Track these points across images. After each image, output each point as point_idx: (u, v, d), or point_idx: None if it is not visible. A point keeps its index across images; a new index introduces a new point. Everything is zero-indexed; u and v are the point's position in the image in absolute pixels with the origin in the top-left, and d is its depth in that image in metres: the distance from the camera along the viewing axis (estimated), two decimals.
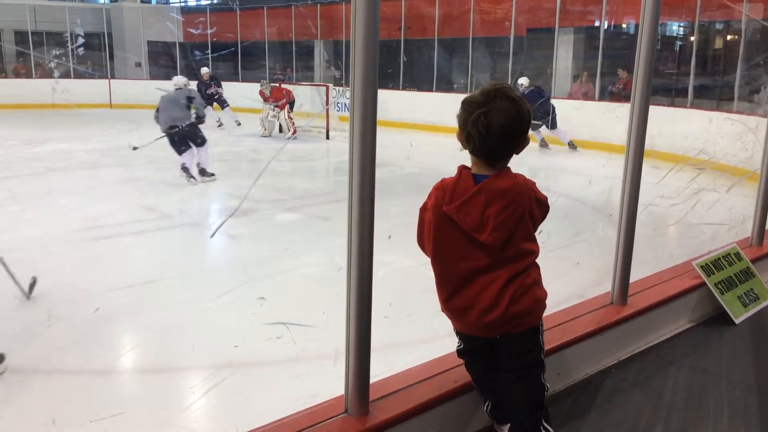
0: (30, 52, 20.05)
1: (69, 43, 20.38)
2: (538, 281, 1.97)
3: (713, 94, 12.25)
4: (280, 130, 13.96)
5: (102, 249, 5.70)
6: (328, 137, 13.74)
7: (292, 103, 13.92)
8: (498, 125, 1.81)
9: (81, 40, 19.85)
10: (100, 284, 4.69)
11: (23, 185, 8.42)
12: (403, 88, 16.44)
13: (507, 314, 1.89)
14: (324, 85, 15.41)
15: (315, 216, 7.13)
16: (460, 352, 2.17)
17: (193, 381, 3.48)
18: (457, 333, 2.13)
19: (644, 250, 3.67)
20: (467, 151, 1.91)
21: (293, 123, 13.63)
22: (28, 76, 20.57)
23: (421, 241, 2.03)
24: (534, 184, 1.95)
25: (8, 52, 21.12)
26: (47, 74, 20.60)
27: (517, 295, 1.90)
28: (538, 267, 1.98)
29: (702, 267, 3.38)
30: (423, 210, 1.99)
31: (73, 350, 3.75)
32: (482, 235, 1.85)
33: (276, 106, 13.68)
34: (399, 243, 4.00)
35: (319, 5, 18.66)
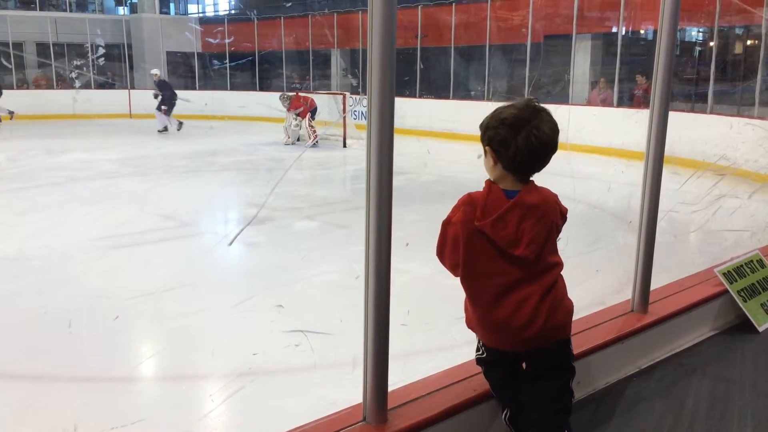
0: (51, 62, 20.35)
1: (90, 54, 20.67)
2: (566, 293, 2.00)
3: (733, 100, 12.13)
4: (298, 139, 14.04)
5: (122, 257, 5.75)
6: (345, 145, 13.79)
7: (313, 111, 13.99)
8: (548, 138, 1.85)
9: (102, 50, 20.11)
10: (120, 292, 4.73)
11: (45, 194, 8.53)
12: (420, 96, 16.46)
13: (545, 329, 1.91)
14: (341, 94, 15.48)
15: (332, 224, 7.14)
16: (480, 361, 2.14)
17: (212, 388, 3.50)
18: (483, 346, 2.09)
19: (665, 257, 3.63)
20: (489, 164, 1.91)
21: (314, 131, 13.71)
22: (49, 87, 20.87)
23: (442, 255, 2.01)
24: (557, 196, 1.97)
25: (30, 63, 21.45)
26: (68, 85, 20.90)
27: (552, 310, 1.92)
28: (563, 279, 2.01)
29: (724, 274, 3.33)
30: (446, 224, 1.96)
31: (93, 357, 3.78)
32: (518, 249, 1.86)
33: (297, 115, 13.77)
34: (416, 251, 4.00)
35: (335, 14, 18.76)
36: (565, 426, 1.98)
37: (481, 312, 1.96)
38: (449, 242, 1.95)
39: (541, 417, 2.01)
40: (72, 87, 20.24)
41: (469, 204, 1.91)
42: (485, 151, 1.92)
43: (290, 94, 14.39)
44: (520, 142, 1.84)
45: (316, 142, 13.58)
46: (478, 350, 2.13)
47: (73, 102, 18.31)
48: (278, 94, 14.94)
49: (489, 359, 2.09)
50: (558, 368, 2.01)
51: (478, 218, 1.87)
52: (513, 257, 1.87)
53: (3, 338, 4.04)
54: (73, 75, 20.66)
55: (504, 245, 1.87)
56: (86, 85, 20.61)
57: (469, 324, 2.05)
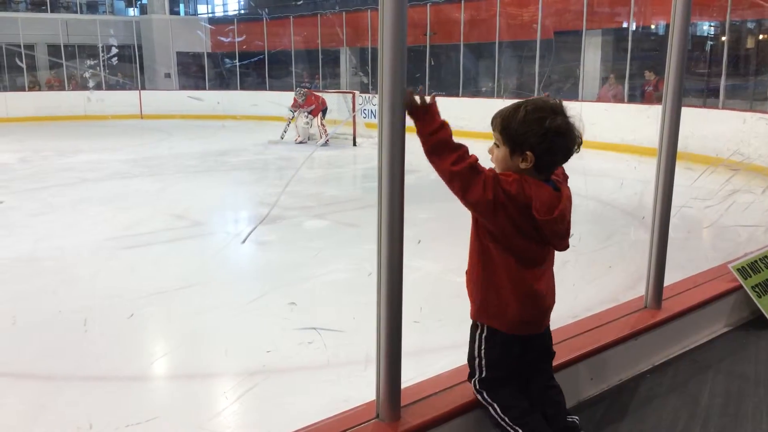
0: (62, 62, 20.48)
1: (101, 55, 20.80)
2: None
3: (746, 95, 12.03)
4: (309, 138, 14.06)
5: (134, 256, 5.79)
6: (355, 144, 13.79)
7: (324, 111, 14.01)
8: (579, 134, 1.92)
9: (114, 50, 20.23)
10: (134, 291, 4.75)
11: (57, 195, 8.60)
12: (430, 94, 16.41)
13: (551, 304, 2.05)
14: (350, 92, 15.48)
15: (343, 223, 7.15)
16: (482, 383, 2.06)
17: (225, 386, 3.51)
18: (483, 358, 2.05)
19: (678, 253, 3.61)
20: (525, 166, 1.90)
21: (326, 130, 13.73)
22: (61, 88, 21.02)
23: (475, 190, 1.86)
24: None
25: (41, 65, 21.61)
26: (79, 86, 21.04)
27: (552, 289, 2.07)
28: None
29: (738, 270, 3.31)
30: (496, 181, 1.86)
31: (107, 356, 3.81)
32: (564, 242, 1.97)
33: (309, 113, 13.79)
34: (428, 248, 4.01)
35: (344, 13, 18.77)
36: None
37: (508, 281, 1.95)
38: (488, 186, 1.85)
39: (552, 412, 2.05)
40: (85, 88, 20.37)
41: (520, 188, 1.87)
42: (516, 151, 1.90)
43: (305, 90, 14.38)
44: (564, 149, 1.91)
45: (327, 141, 13.60)
46: (474, 373, 2.08)
47: (87, 102, 18.45)
48: (289, 92, 14.96)
49: (490, 376, 2.05)
50: (550, 354, 2.16)
51: (537, 210, 1.86)
52: (541, 238, 1.93)
53: (17, 338, 4.07)
54: (87, 75, 20.80)
55: (552, 237, 1.93)
56: (98, 86, 20.75)
57: (482, 310, 2.02)
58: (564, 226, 1.93)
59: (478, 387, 2.07)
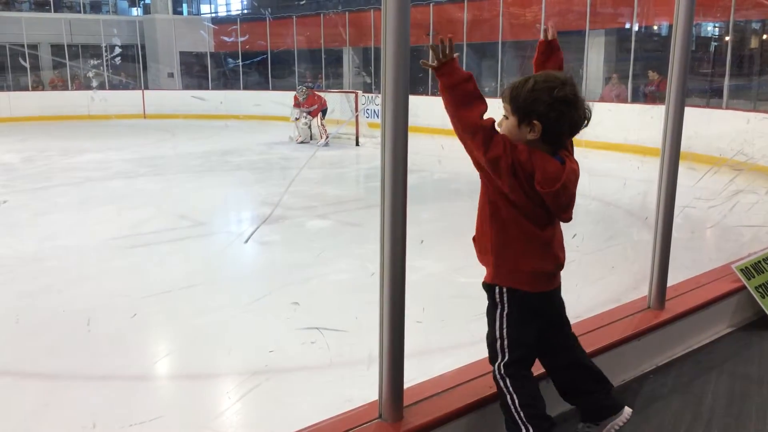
0: (66, 62, 20.53)
1: (104, 55, 20.84)
2: None
3: (750, 95, 12.00)
4: (311, 137, 14.07)
5: (138, 256, 5.80)
6: (357, 144, 13.79)
7: (324, 111, 14.01)
8: (590, 115, 1.95)
9: (118, 50, 20.26)
10: (137, 291, 4.77)
11: (62, 195, 8.62)
12: (433, 94, 16.43)
13: (564, 260, 2.06)
14: (353, 92, 15.48)
15: (346, 222, 7.16)
16: (508, 366, 2.01)
17: (228, 386, 3.52)
18: (509, 320, 2.01)
19: (681, 253, 3.61)
20: (532, 136, 1.90)
21: (326, 130, 13.72)
22: (65, 88, 21.06)
23: (496, 146, 1.87)
24: None
25: (45, 65, 21.65)
26: (83, 86, 21.08)
27: (563, 245, 2.08)
28: None
29: (742, 270, 3.30)
30: (512, 149, 1.88)
31: (111, 355, 3.82)
32: (566, 215, 1.98)
33: (308, 113, 13.79)
34: (431, 248, 4.01)
35: (347, 12, 18.77)
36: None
37: (521, 234, 1.96)
38: (508, 152, 1.87)
39: (588, 377, 2.16)
40: (89, 87, 20.40)
41: (528, 157, 1.88)
42: (524, 121, 1.90)
43: (307, 88, 14.37)
44: (575, 119, 1.92)
45: (328, 141, 13.59)
46: (496, 357, 2.03)
47: (91, 102, 18.47)
48: (292, 92, 14.94)
49: (514, 359, 2.01)
50: (567, 322, 2.18)
51: (539, 183, 1.87)
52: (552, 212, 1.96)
53: (22, 337, 4.09)
54: (90, 75, 20.84)
55: (555, 209, 1.94)
56: (101, 86, 20.79)
57: (499, 269, 2.00)
58: (566, 199, 1.94)
59: (502, 372, 2.01)
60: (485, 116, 1.88)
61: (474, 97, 1.87)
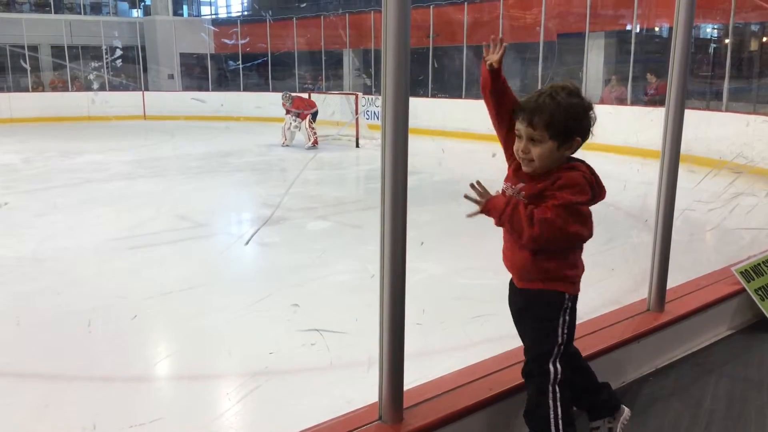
0: (66, 63, 20.54)
1: (104, 56, 20.85)
2: None
3: (750, 97, 12.01)
4: (293, 140, 14.01)
5: (138, 257, 5.80)
6: (357, 145, 13.80)
7: (315, 114, 13.99)
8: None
9: (119, 52, 20.28)
10: (137, 292, 4.77)
11: (61, 196, 8.61)
12: (433, 95, 16.44)
13: None
14: (353, 94, 15.49)
15: (346, 224, 7.16)
16: (559, 381, 1.95)
17: (228, 387, 3.52)
18: (570, 321, 1.98)
19: (681, 256, 3.61)
20: (571, 152, 1.96)
21: (315, 133, 13.68)
22: (65, 89, 21.06)
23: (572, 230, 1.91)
24: None
25: (45, 66, 21.66)
26: (83, 87, 21.08)
27: None
28: None
29: (741, 273, 3.31)
30: (579, 206, 1.92)
31: (111, 357, 3.81)
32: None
33: (297, 116, 13.78)
34: (431, 250, 4.01)
35: (348, 14, 18.78)
36: None
37: (580, 253, 2.07)
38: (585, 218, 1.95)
39: (591, 382, 2.22)
40: (89, 89, 20.42)
41: (590, 187, 1.98)
42: (565, 143, 1.90)
43: (293, 93, 14.38)
44: (591, 126, 1.98)
45: (316, 144, 13.55)
46: (547, 372, 1.94)
47: (91, 103, 18.48)
48: (293, 94, 14.94)
49: (561, 368, 1.96)
50: None
51: (599, 195, 2.03)
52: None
53: (22, 338, 4.09)
54: (91, 77, 20.85)
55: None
56: (101, 87, 20.81)
57: (556, 276, 1.98)
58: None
59: (556, 388, 1.94)
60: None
61: (528, 217, 1.85)
